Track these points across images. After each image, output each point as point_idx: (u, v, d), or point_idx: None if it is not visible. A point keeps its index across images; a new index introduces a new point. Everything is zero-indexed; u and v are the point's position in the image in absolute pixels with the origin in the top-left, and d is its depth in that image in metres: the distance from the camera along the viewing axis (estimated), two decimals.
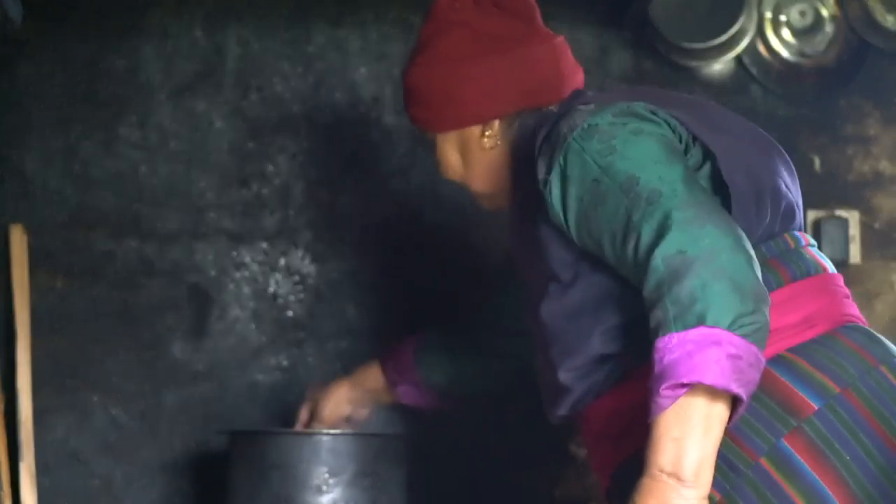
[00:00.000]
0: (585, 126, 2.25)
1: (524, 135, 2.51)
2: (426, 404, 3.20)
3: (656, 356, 2.03)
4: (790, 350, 2.22)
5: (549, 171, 2.28)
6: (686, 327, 2.01)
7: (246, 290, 3.70)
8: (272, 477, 3.11)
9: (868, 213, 3.79)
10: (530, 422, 3.05)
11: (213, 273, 3.69)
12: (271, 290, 3.70)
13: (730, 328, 2.00)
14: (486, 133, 2.58)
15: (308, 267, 3.71)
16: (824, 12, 3.80)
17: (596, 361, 2.33)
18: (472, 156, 2.62)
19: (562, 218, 2.27)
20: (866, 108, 3.81)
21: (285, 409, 3.62)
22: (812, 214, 3.74)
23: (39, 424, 3.52)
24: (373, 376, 3.21)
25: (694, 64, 3.76)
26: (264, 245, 3.71)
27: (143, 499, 3.64)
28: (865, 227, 3.76)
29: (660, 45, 3.74)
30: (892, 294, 3.80)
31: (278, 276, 3.71)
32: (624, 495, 2.14)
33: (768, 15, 3.80)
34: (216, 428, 3.50)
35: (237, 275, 3.70)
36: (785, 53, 3.80)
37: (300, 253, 3.71)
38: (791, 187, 2.46)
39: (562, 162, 2.25)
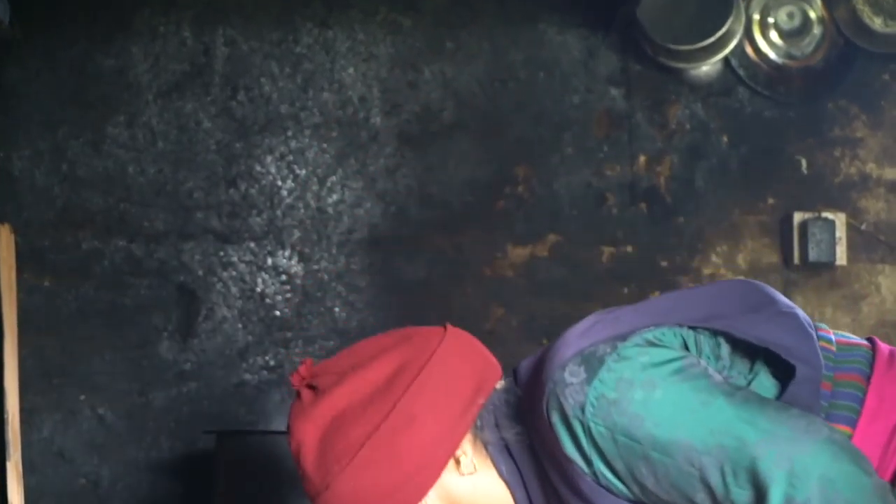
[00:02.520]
0: (592, 401, 1.95)
1: (495, 440, 2.10)
2: None
3: None
4: None
5: (588, 462, 1.98)
6: None
7: (233, 289, 3.69)
8: (258, 476, 3.12)
9: (855, 214, 3.79)
10: None
11: (200, 273, 3.69)
12: (258, 289, 3.70)
13: None
14: (461, 461, 2.11)
15: (295, 267, 3.71)
16: (812, 14, 3.80)
17: None
18: (462, 489, 2.15)
19: (640, 495, 1.98)
20: (853, 110, 3.82)
21: (272, 409, 3.62)
22: (799, 216, 3.74)
23: (26, 423, 3.51)
24: None
25: (682, 66, 3.76)
26: (251, 245, 3.71)
27: (129, 498, 3.64)
28: (852, 229, 3.77)
29: (647, 47, 3.74)
30: (878, 296, 3.80)
31: (265, 275, 3.71)
32: None
33: (756, 17, 3.80)
34: (203, 427, 3.49)
35: (224, 274, 3.70)
36: (772, 55, 3.80)
37: (287, 253, 3.71)
38: (787, 301, 2.16)
39: (596, 449, 1.96)
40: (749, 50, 3.79)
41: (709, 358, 2.02)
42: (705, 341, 2.03)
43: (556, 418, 1.97)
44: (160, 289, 3.67)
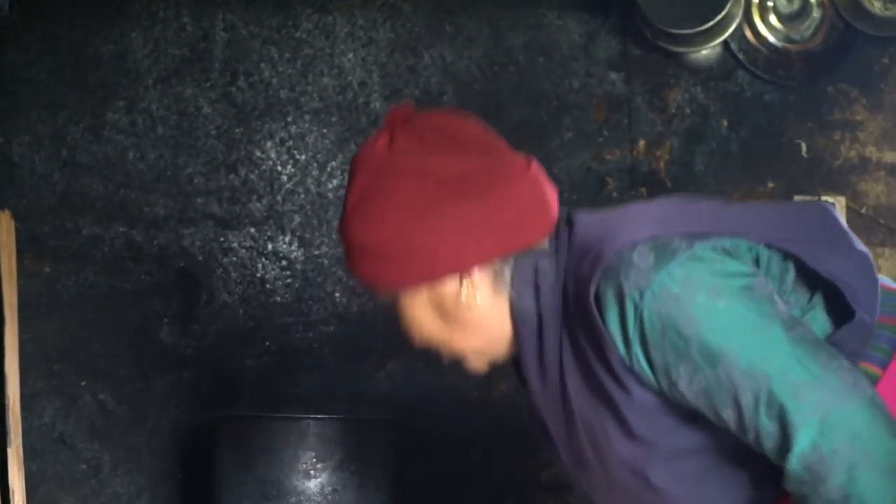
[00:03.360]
0: (655, 289, 1.94)
1: (528, 282, 2.08)
2: None
3: None
4: None
5: (628, 345, 1.97)
6: None
7: (233, 274, 3.70)
8: (260, 461, 3.12)
9: (854, 198, 3.79)
10: (518, 406, 3.05)
11: (200, 258, 3.69)
12: (259, 275, 3.71)
13: None
14: (465, 286, 2.09)
15: (295, 252, 3.72)
16: None
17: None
18: (456, 313, 2.11)
19: (659, 389, 1.99)
20: (853, 93, 3.82)
21: (273, 394, 3.62)
22: (798, 199, 3.74)
23: (27, 409, 3.52)
24: None
25: (681, 50, 3.76)
26: (252, 230, 3.71)
27: (130, 483, 3.65)
28: (852, 213, 3.77)
29: (647, 30, 3.74)
30: None
31: (266, 260, 3.71)
32: None
33: (755, 0, 3.80)
34: (204, 413, 3.50)
35: (225, 260, 3.70)
36: (772, 39, 3.80)
37: (288, 238, 3.71)
38: (856, 238, 2.19)
39: (640, 334, 1.95)
40: (748, 33, 3.79)
41: (774, 279, 2.02)
42: (775, 262, 2.03)
43: (610, 293, 1.96)
44: (161, 274, 3.68)
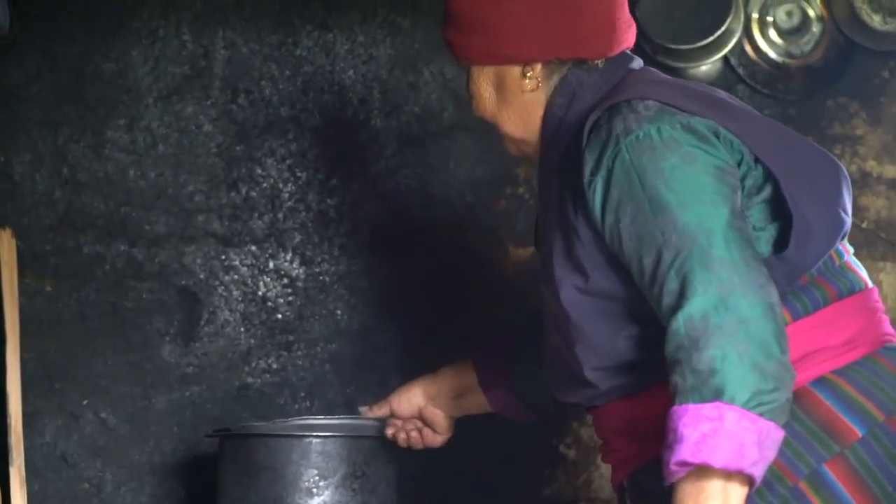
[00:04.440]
0: (640, 135, 2.17)
1: (567, 92, 2.37)
2: (514, 414, 2.90)
3: (670, 423, 2.02)
4: (834, 372, 2.19)
5: (594, 171, 2.20)
6: (702, 400, 1.99)
7: (235, 292, 3.70)
8: (262, 479, 3.12)
9: (855, 212, 3.77)
10: (521, 424, 3.05)
11: (201, 276, 3.69)
12: (260, 292, 3.70)
13: (746, 405, 1.98)
14: (528, 75, 2.39)
15: (297, 269, 3.72)
16: (811, 12, 3.80)
17: (625, 366, 2.28)
18: (509, 95, 2.42)
19: (599, 223, 2.21)
20: (853, 107, 3.82)
21: (275, 412, 3.62)
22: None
23: (29, 427, 3.51)
24: (463, 374, 2.90)
25: (681, 65, 3.76)
26: (253, 248, 3.71)
27: (132, 502, 3.64)
28: (853, 227, 3.76)
29: (646, 46, 3.74)
30: (880, 294, 3.80)
31: (267, 278, 3.71)
32: (644, 497, 2.24)
33: (755, 15, 3.81)
34: (206, 431, 3.49)
35: (226, 278, 3.70)
36: (772, 54, 3.80)
37: (289, 255, 3.71)
38: (849, 208, 2.38)
39: (609, 166, 2.18)
40: (748, 48, 3.79)
41: (746, 188, 2.22)
42: (757, 175, 2.22)
43: (604, 125, 2.21)
44: (162, 292, 3.67)
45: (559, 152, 2.33)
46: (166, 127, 3.71)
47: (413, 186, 3.73)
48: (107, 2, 3.70)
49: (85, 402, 3.64)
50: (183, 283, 3.68)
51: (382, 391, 3.63)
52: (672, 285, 2.08)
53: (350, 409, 3.62)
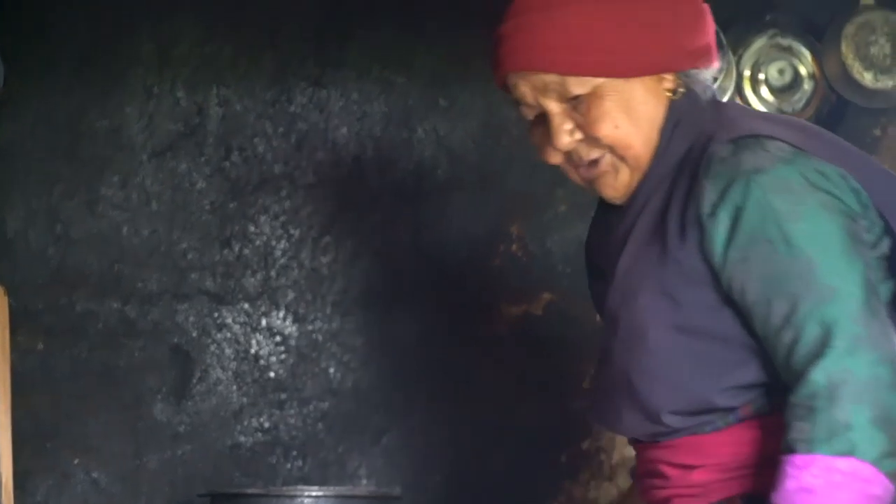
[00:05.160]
0: (775, 175, 2.10)
1: (676, 113, 2.23)
2: None
3: (791, 470, 1.99)
4: None
5: (717, 204, 2.10)
6: (834, 452, 1.97)
7: (227, 350, 3.69)
8: None
9: None
10: (514, 480, 3.04)
11: (194, 334, 3.68)
12: (252, 350, 3.70)
13: (875, 464, 1.97)
14: (655, 86, 2.24)
15: (290, 327, 3.71)
16: (803, 70, 3.82)
17: (707, 409, 2.18)
18: (639, 110, 2.23)
19: (719, 258, 2.11)
20: None
21: (267, 471, 3.60)
22: None
23: (20, 488, 3.49)
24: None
25: None
26: (246, 306, 3.71)
27: None
28: None
29: None
30: None
31: (259, 336, 3.70)
32: None
33: (747, 73, 3.82)
34: (197, 490, 3.48)
35: (218, 336, 3.70)
36: (764, 111, 3.81)
37: (282, 313, 3.71)
38: None
39: (737, 202, 2.09)
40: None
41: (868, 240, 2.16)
42: (877, 229, 2.16)
43: (731, 157, 2.11)
44: (154, 350, 3.67)
45: (662, 179, 2.22)
46: (160, 184, 3.71)
47: (406, 244, 3.73)
48: (102, 58, 3.72)
49: (76, 462, 3.62)
50: (175, 340, 3.68)
51: (376, 451, 3.63)
52: (811, 333, 2.03)
53: (342, 468, 3.62)
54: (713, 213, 2.10)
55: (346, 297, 3.71)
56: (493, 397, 3.68)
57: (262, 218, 3.73)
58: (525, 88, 2.24)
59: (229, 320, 3.70)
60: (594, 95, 2.20)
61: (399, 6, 3.77)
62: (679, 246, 2.15)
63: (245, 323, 3.70)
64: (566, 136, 2.22)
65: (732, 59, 3.76)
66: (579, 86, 2.19)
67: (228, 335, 3.69)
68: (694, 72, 2.23)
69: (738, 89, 3.80)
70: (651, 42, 2.20)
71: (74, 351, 3.65)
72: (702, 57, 2.24)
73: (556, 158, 2.28)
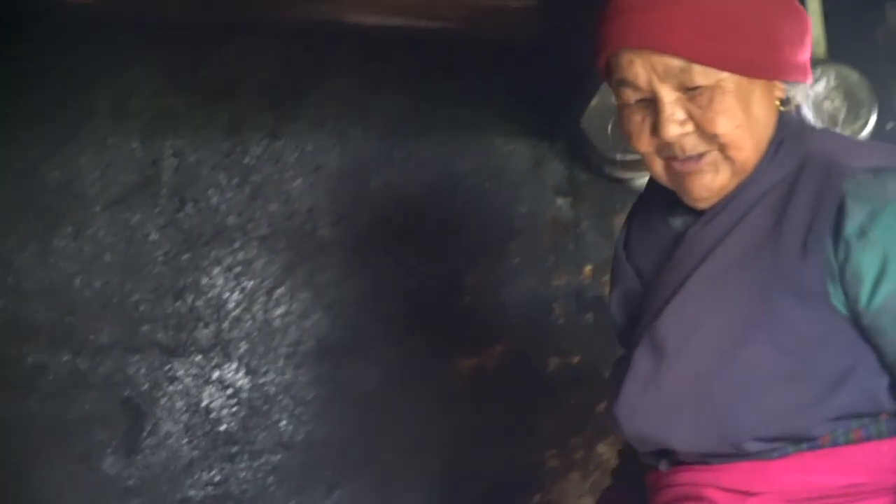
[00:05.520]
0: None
1: (790, 119, 2.16)
2: None
3: None
4: None
5: (868, 225, 2.01)
6: None
7: (178, 403, 3.67)
8: None
9: None
10: None
11: (145, 386, 3.66)
12: (204, 403, 3.68)
13: None
14: (776, 93, 2.14)
15: (242, 380, 3.69)
16: None
17: (798, 439, 2.08)
18: (758, 111, 2.12)
19: (857, 288, 2.02)
20: None
21: None
22: None
23: None
24: None
25: (627, 175, 3.78)
26: (198, 358, 3.69)
27: None
28: None
29: (593, 156, 3.76)
30: None
31: (211, 389, 3.68)
32: None
33: None
34: None
35: (170, 388, 3.67)
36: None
37: (234, 366, 3.69)
38: None
39: (864, 226, 2.01)
40: None
41: None
42: None
43: (871, 183, 2.02)
44: (105, 403, 3.64)
45: (765, 192, 2.11)
46: (113, 235, 3.70)
47: (360, 296, 3.72)
48: (57, 112, 3.71)
49: None
50: (126, 393, 3.65)
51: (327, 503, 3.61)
52: None
53: None
54: (863, 234, 2.01)
55: (298, 349, 3.70)
56: (447, 451, 3.67)
57: (216, 270, 3.72)
58: (640, 69, 2.07)
59: (181, 373, 3.68)
60: (718, 89, 2.07)
61: (356, 58, 3.78)
62: (798, 263, 2.03)
63: (197, 375, 3.68)
64: (676, 126, 2.07)
65: None
66: (704, 76, 2.06)
67: (180, 388, 3.67)
68: (801, 85, 2.15)
69: None
70: (777, 44, 2.09)
71: (25, 403, 3.62)
72: (805, 71, 2.15)
73: (648, 147, 2.12)
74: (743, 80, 2.07)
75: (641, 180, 3.79)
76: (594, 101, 3.68)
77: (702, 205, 2.13)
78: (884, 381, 2.05)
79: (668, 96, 2.06)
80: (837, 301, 2.02)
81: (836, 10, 3.48)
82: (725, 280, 2.08)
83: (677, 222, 2.19)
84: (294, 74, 3.77)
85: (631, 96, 2.10)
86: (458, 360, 3.73)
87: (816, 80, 2.19)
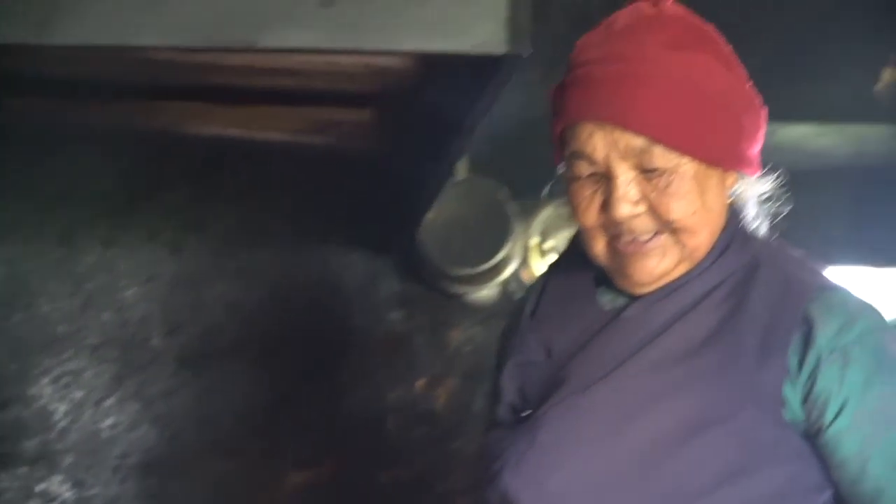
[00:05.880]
0: (881, 322, 2.02)
1: (731, 222, 2.10)
2: None
3: None
4: None
5: (834, 347, 1.97)
6: None
7: None
8: None
9: None
10: None
11: None
12: None
13: None
14: (730, 183, 2.09)
15: (67, 492, 3.62)
16: None
17: None
18: (713, 201, 2.06)
19: (832, 406, 1.97)
20: None
21: None
22: None
23: None
24: None
25: (461, 290, 3.82)
26: (23, 470, 3.61)
27: None
28: None
29: (427, 270, 3.79)
30: None
31: (36, 502, 3.60)
32: None
33: (535, 241, 3.88)
34: None
35: None
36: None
37: (60, 478, 3.62)
38: None
39: (844, 345, 1.97)
40: (525, 275, 3.87)
41: None
42: None
43: (838, 306, 1.99)
44: None
45: (713, 287, 2.05)
46: None
47: (190, 408, 3.69)
48: None
49: None
50: None
51: None
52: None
53: None
54: (833, 349, 1.97)
55: (125, 462, 3.64)
56: None
57: (44, 380, 3.66)
58: (599, 143, 2.00)
59: (5, 485, 3.59)
60: (677, 173, 2.00)
61: (192, 169, 3.78)
62: (755, 366, 1.97)
63: (21, 488, 3.60)
64: (629, 206, 1.99)
65: (519, 227, 3.81)
66: (664, 158, 1.99)
67: (3, 500, 3.59)
68: (749, 179, 2.10)
69: (525, 258, 3.86)
70: (738, 135, 2.05)
71: None
72: (756, 165, 2.10)
73: (593, 223, 2.01)
74: (702, 166, 2.02)
75: (475, 294, 3.84)
76: (430, 215, 3.72)
77: (639, 290, 2.04)
78: (821, 498, 2.01)
79: (625, 175, 1.99)
80: (791, 410, 1.97)
81: None
82: (672, 370, 1.99)
83: (606, 301, 2.08)
84: (130, 183, 3.75)
85: (584, 170, 2.02)
86: (288, 474, 3.70)
87: (764, 177, 2.15)
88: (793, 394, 1.96)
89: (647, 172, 1.99)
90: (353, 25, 2.45)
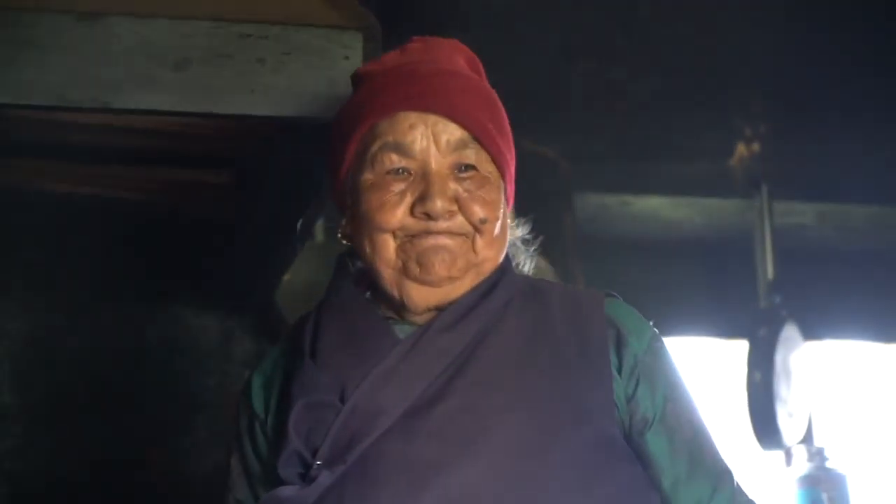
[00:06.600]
0: (657, 332, 2.14)
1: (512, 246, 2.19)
2: None
3: None
4: None
5: (625, 345, 2.06)
6: None
7: None
8: None
9: None
10: None
11: None
12: None
13: None
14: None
15: None
16: None
17: None
18: (504, 220, 2.11)
19: (648, 412, 2.06)
20: None
21: None
22: None
23: None
24: None
25: None
26: None
27: None
28: None
29: (283, 330, 3.79)
30: None
31: None
32: None
33: None
34: None
35: None
36: None
37: None
38: None
39: (650, 360, 2.08)
40: None
41: None
42: None
43: (631, 318, 2.11)
44: None
45: (504, 304, 2.06)
46: None
47: (39, 467, 3.63)
48: None
49: None
50: None
51: None
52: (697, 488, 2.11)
53: None
54: (646, 350, 2.08)
55: None
56: None
57: None
58: (419, 134, 2.03)
59: None
60: (486, 178, 2.06)
61: (44, 226, 3.74)
62: (584, 377, 2.02)
63: None
64: (446, 201, 2.02)
65: None
66: (479, 157, 2.05)
67: None
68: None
69: None
70: (512, 162, 2.15)
71: None
72: (511, 200, 2.18)
73: (395, 223, 2.03)
74: (501, 182, 2.09)
75: None
76: (287, 276, 3.74)
77: (424, 303, 2.03)
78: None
79: (444, 170, 2.03)
80: (619, 409, 2.04)
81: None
82: (502, 386, 1.99)
83: (400, 330, 2.06)
84: None
85: (395, 162, 2.03)
86: None
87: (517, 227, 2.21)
88: (621, 393, 2.05)
89: (460, 171, 2.04)
90: (206, 88, 2.48)
